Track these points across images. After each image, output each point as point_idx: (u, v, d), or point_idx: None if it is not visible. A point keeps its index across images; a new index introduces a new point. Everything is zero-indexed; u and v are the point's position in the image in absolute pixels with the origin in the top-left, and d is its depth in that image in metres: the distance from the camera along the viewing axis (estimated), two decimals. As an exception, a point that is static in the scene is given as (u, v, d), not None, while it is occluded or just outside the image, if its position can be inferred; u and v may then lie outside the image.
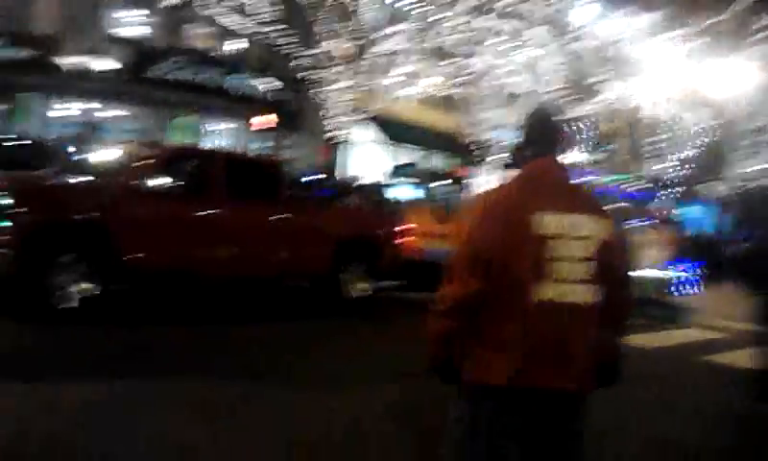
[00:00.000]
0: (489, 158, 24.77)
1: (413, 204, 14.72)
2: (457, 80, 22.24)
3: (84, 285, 7.94)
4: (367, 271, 10.80)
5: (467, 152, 26.20)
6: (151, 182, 8.62)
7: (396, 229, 11.50)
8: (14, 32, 23.98)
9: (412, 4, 24.35)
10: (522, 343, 2.76)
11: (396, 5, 27.26)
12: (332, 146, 21.26)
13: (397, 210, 13.17)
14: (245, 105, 23.65)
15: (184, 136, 24.94)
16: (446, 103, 27.44)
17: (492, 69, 23.09)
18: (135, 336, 7.58)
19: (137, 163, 9.05)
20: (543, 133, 3.03)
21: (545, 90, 24.06)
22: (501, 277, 2.75)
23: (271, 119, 21.62)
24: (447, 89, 22.74)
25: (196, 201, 9.05)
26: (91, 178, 8.94)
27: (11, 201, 7.65)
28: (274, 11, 19.50)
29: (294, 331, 8.70)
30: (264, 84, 24.03)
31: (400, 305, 11.60)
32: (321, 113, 21.21)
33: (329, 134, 21.11)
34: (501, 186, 2.98)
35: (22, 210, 7.63)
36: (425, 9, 21.93)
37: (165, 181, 8.74)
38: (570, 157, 25.94)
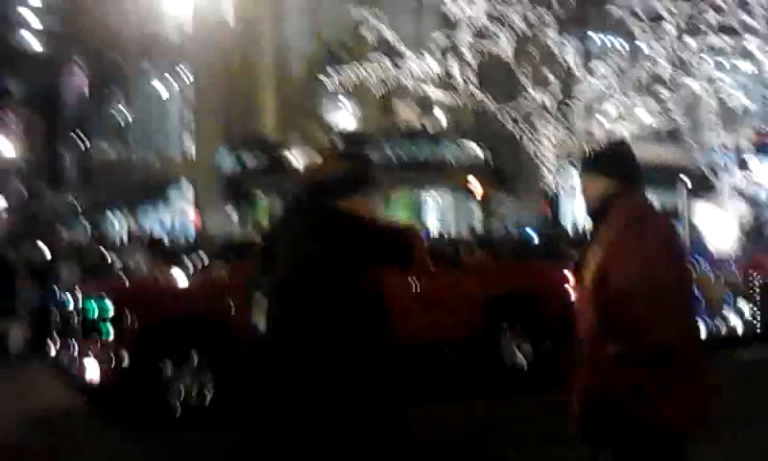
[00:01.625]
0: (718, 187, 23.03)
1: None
2: (676, 109, 21.12)
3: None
4: (527, 332, 9.59)
5: (695, 184, 24.65)
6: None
7: (565, 281, 10.04)
8: (247, 139, 26.39)
9: (618, 40, 23.77)
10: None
11: (604, 43, 26.75)
12: (550, 198, 20.94)
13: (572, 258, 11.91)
14: (460, 171, 24.06)
15: (406, 213, 25.77)
16: (666, 135, 26.11)
17: (711, 90, 21.72)
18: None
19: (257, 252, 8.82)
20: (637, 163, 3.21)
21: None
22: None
23: (485, 182, 21.80)
24: (666, 121, 21.65)
25: None
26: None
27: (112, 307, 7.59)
28: (477, 75, 19.78)
29: (450, 414, 7.76)
30: (476, 148, 24.35)
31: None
32: (535, 166, 21.03)
33: (545, 187, 20.84)
34: (662, 217, 3.09)
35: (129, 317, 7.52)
36: (631, 45, 21.31)
37: None
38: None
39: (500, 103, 20.17)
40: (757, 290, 11.51)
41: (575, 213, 25.55)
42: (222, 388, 7.67)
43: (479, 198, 22.39)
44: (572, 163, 21.57)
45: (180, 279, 9.62)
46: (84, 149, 42.57)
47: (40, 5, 48.75)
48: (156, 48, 31.83)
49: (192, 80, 29.06)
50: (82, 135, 42.43)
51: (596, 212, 3.05)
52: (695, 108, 22.85)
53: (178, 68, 30.36)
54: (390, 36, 19.27)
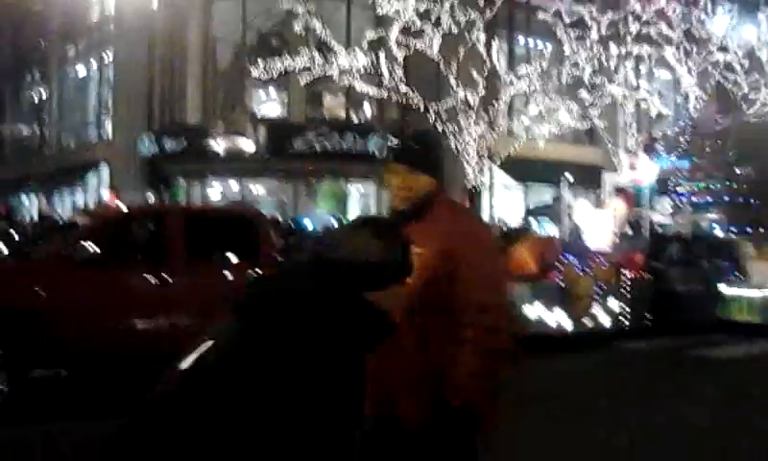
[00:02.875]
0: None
1: None
2: (594, 111, 21.75)
3: None
4: None
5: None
6: (88, 253, 7.50)
7: None
8: (169, 125, 25.89)
9: (542, 42, 24.33)
10: None
11: (528, 45, 27.29)
12: (471, 193, 21.26)
13: None
14: (382, 163, 24.12)
15: (330, 203, 25.77)
16: (586, 136, 26.89)
17: (631, 95, 22.43)
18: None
19: (74, 233, 8.09)
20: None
21: (692, 107, 23.04)
22: None
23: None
24: (585, 122, 22.26)
25: (144, 268, 7.79)
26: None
27: None
28: (404, 70, 19.89)
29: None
30: (402, 141, 24.51)
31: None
32: (461, 163, 21.31)
33: (467, 182, 21.15)
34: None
35: None
36: (554, 47, 21.83)
37: (106, 249, 7.60)
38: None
39: (425, 98, 20.36)
40: (628, 286, 11.47)
41: (493, 208, 26.07)
42: (21, 382, 7.02)
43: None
44: (492, 159, 22.01)
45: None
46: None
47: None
48: (77, 27, 30.90)
49: (113, 62, 28.34)
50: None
51: (412, 211, 2.78)
52: (613, 111, 23.59)
53: (99, 49, 29.58)
54: (319, 27, 19.22)
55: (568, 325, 10.73)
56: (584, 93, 21.49)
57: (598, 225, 12.58)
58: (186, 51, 25.27)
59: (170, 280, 7.69)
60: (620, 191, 16.40)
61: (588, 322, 10.99)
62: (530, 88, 21.42)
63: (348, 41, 21.59)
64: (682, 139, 21.18)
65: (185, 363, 1.83)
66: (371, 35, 19.58)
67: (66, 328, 7.18)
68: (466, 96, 20.36)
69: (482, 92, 20.59)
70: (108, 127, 28.66)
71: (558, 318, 10.60)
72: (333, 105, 26.15)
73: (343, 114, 26.08)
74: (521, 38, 27.54)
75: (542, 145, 21.78)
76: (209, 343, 1.84)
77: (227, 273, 7.96)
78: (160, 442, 1.72)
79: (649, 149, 15.94)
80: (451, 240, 2.69)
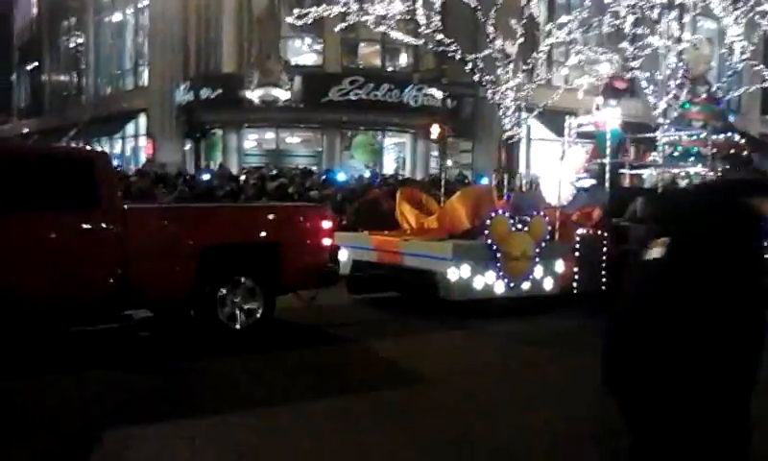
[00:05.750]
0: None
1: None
2: (635, 62, 21.20)
3: None
4: (260, 287, 7.97)
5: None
6: None
7: (319, 227, 8.42)
8: (204, 74, 25.88)
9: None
10: None
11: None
12: (508, 146, 21.00)
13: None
14: (421, 115, 23.90)
15: (364, 153, 25.68)
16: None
17: (673, 46, 21.83)
18: None
19: None
20: None
21: (737, 60, 22.38)
22: None
23: (444, 126, 21.69)
24: (626, 74, 21.73)
25: None
26: None
27: None
28: (441, 19, 19.57)
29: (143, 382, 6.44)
30: (438, 92, 24.25)
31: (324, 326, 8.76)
32: (498, 114, 21.02)
33: (505, 134, 20.88)
34: None
35: None
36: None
37: None
38: None
39: (462, 47, 20.03)
40: (579, 245, 9.92)
41: (530, 159, 25.79)
42: None
43: (437, 141, 22.31)
44: (529, 111, 21.65)
45: None
46: (35, 75, 41.35)
47: None
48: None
49: (148, 8, 28.33)
50: (33, 61, 41.16)
51: None
52: (655, 62, 23.00)
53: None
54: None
55: (500, 289, 9.35)
56: (625, 44, 20.98)
57: (556, 176, 10.81)
58: (222, -2, 25.16)
59: None
60: (582, 137, 14.67)
61: (525, 286, 9.52)
62: (569, 38, 20.98)
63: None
64: (672, 83, 20.37)
65: (650, 255, 2.94)
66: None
67: None
68: (503, 45, 20.00)
69: (520, 41, 20.22)
70: (145, 74, 28.77)
71: (488, 281, 9.26)
72: (369, 54, 25.90)
73: (378, 63, 25.84)
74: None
75: (581, 96, 21.34)
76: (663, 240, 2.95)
77: (57, 221, 7.17)
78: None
79: (616, 90, 13.72)
80: None
